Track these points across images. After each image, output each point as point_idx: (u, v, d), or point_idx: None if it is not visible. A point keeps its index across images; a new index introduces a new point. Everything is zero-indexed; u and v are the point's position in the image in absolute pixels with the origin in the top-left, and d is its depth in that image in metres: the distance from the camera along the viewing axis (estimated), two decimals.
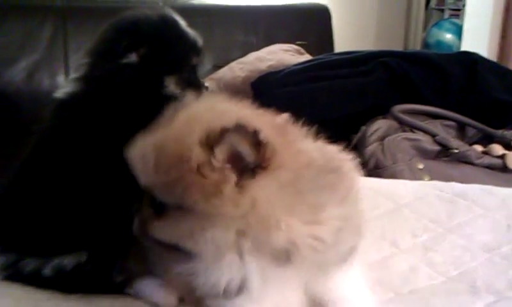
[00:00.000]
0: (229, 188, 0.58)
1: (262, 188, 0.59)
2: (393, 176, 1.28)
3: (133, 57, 0.79)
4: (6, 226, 0.78)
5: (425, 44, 4.26)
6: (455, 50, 3.74)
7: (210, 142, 0.58)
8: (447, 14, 4.69)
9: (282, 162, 0.60)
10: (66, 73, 2.28)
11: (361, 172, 1.29)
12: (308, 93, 1.65)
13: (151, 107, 0.68)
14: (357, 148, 1.47)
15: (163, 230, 0.64)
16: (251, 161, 0.58)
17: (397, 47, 3.68)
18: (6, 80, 2.22)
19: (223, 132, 0.58)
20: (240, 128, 0.57)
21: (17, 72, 2.24)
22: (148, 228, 0.65)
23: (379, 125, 1.45)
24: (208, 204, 0.59)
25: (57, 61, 2.29)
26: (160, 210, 0.63)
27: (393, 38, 3.69)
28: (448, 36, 4.18)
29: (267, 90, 1.80)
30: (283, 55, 2.18)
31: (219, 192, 0.58)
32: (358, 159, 1.39)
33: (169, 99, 0.77)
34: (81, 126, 0.76)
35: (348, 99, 1.60)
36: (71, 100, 0.80)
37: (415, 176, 1.29)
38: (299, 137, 0.69)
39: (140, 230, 0.67)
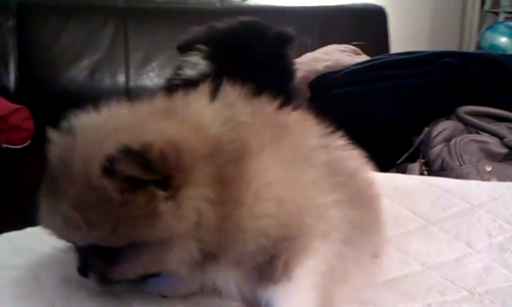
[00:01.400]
0: (162, 205, 0.56)
1: (196, 192, 0.58)
2: (459, 178, 1.26)
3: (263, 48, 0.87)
4: None
5: (479, 48, 4.16)
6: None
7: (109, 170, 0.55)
8: (501, 17, 4.56)
9: (194, 160, 0.58)
10: (127, 72, 2.34)
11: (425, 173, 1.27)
12: (369, 93, 1.64)
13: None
14: (420, 150, 1.46)
15: (126, 271, 0.62)
16: (155, 178, 0.55)
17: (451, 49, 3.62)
18: (70, 78, 2.31)
19: (110, 161, 0.55)
20: (124, 153, 0.54)
21: (80, 71, 2.33)
22: (108, 276, 0.62)
23: (445, 126, 1.43)
24: (154, 229, 0.56)
25: (118, 60, 2.36)
26: (112, 254, 0.60)
27: (448, 41, 3.64)
28: (503, 40, 4.05)
29: (326, 90, 1.81)
30: (339, 55, 2.18)
31: (155, 212, 0.56)
32: (422, 160, 1.40)
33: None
34: None
35: (411, 100, 1.58)
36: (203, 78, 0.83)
37: (483, 178, 1.27)
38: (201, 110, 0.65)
39: (103, 281, 0.63)
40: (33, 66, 2.27)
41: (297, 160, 0.67)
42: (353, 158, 0.78)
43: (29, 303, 0.68)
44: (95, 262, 0.61)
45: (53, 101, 2.25)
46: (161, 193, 0.56)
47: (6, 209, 1.45)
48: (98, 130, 0.61)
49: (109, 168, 0.55)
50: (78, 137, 0.60)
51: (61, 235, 0.61)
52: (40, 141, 2.12)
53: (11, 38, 2.25)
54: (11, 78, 2.23)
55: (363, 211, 0.73)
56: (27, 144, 2.01)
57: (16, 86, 2.24)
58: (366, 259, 0.77)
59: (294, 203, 0.64)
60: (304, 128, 0.74)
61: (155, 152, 0.55)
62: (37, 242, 0.90)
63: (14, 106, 2.00)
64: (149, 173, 0.55)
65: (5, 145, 1.97)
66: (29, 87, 2.25)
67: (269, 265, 0.64)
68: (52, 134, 0.63)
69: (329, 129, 0.76)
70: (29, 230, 0.95)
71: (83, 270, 0.64)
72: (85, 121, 0.63)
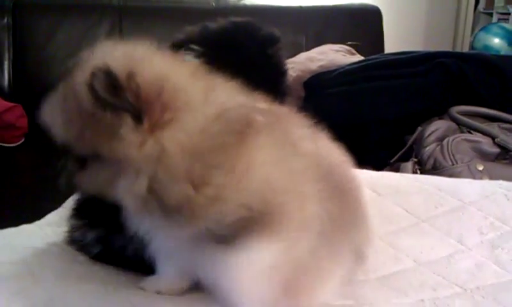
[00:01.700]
0: (125, 130, 0.59)
1: (171, 135, 0.60)
2: (452, 177, 1.27)
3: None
4: (92, 202, 0.81)
5: (472, 49, 4.16)
6: None
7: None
8: (495, 18, 4.57)
9: (187, 108, 0.61)
10: None
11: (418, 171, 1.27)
12: (364, 93, 1.65)
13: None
14: (413, 149, 1.47)
15: (86, 181, 0.65)
16: (127, 106, 0.58)
17: (446, 49, 3.64)
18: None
19: (92, 76, 0.58)
20: (103, 72, 0.58)
21: None
22: (75, 181, 0.66)
23: (438, 126, 1.45)
24: (111, 147, 0.60)
25: None
26: (82, 162, 0.64)
27: (442, 41, 3.65)
28: (496, 41, 4.05)
29: (321, 89, 1.81)
30: (334, 55, 2.19)
31: (117, 134, 0.59)
32: (415, 159, 1.41)
33: None
34: None
35: (406, 99, 1.59)
36: None
37: (475, 177, 1.28)
38: (218, 86, 0.68)
39: (66, 185, 0.67)
40: (28, 64, 2.26)
41: (286, 146, 0.68)
42: (334, 151, 0.78)
43: (26, 298, 0.69)
44: (68, 163, 0.65)
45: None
46: (129, 120, 0.59)
47: (0, 207, 1.45)
48: (110, 52, 0.64)
49: (90, 83, 0.58)
50: (92, 55, 0.64)
51: (47, 126, 0.65)
52: (34, 139, 2.11)
53: (6, 36, 2.24)
54: (6, 77, 2.23)
55: (343, 205, 0.73)
56: (21, 142, 2.01)
57: (10, 84, 2.23)
58: (345, 256, 0.76)
59: (280, 184, 0.64)
60: (292, 119, 0.76)
61: (131, 81, 0.58)
62: (33, 239, 0.90)
63: (8, 104, 2.00)
64: (115, 98, 0.58)
65: None
66: (23, 86, 2.25)
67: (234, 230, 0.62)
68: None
69: (312, 122, 0.77)
70: (25, 227, 0.96)
71: (58, 171, 0.67)
72: (110, 44, 0.67)
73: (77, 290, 0.71)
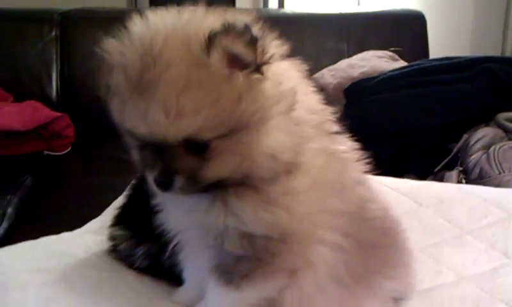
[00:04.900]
0: (262, 84, 0.57)
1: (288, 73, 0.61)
2: (498, 186, 1.22)
3: None
4: (137, 212, 0.82)
5: None
6: None
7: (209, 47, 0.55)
8: None
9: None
10: None
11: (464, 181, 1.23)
12: (407, 100, 1.60)
13: None
14: (459, 157, 1.42)
15: (217, 168, 0.58)
16: (252, 59, 0.55)
17: (494, 54, 3.52)
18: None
19: (212, 37, 0.54)
20: (229, 29, 0.54)
21: None
22: (200, 176, 0.58)
23: (484, 133, 1.39)
24: (254, 110, 0.56)
25: None
26: (204, 150, 0.57)
27: (490, 46, 3.53)
28: None
29: (361, 97, 1.78)
30: (376, 61, 2.15)
31: (256, 90, 0.56)
32: (460, 168, 1.36)
33: None
34: None
35: (449, 106, 1.54)
36: None
37: None
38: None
39: (191, 185, 0.58)
40: (74, 75, 2.32)
41: (332, 186, 0.67)
42: (380, 200, 0.76)
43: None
44: (186, 162, 0.57)
45: (93, 109, 2.29)
46: (258, 75, 0.56)
47: (45, 214, 1.48)
48: (182, 21, 0.59)
49: (210, 44, 0.55)
50: (160, 30, 0.58)
51: (155, 131, 0.56)
52: (80, 148, 2.14)
53: (54, 49, 2.31)
54: (54, 87, 2.29)
55: (371, 257, 0.71)
56: (67, 151, 2.06)
57: (58, 94, 2.29)
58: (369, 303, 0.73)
59: (302, 216, 0.64)
60: (352, 158, 0.72)
61: (256, 32, 0.56)
62: (72, 247, 0.92)
63: (55, 114, 2.05)
64: (251, 52, 0.55)
65: (46, 152, 2.02)
66: (70, 96, 2.31)
67: (240, 263, 0.64)
68: (108, 43, 0.62)
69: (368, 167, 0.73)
70: (65, 235, 0.98)
71: (168, 177, 0.58)
72: (154, 20, 0.60)
73: (110, 299, 0.72)
